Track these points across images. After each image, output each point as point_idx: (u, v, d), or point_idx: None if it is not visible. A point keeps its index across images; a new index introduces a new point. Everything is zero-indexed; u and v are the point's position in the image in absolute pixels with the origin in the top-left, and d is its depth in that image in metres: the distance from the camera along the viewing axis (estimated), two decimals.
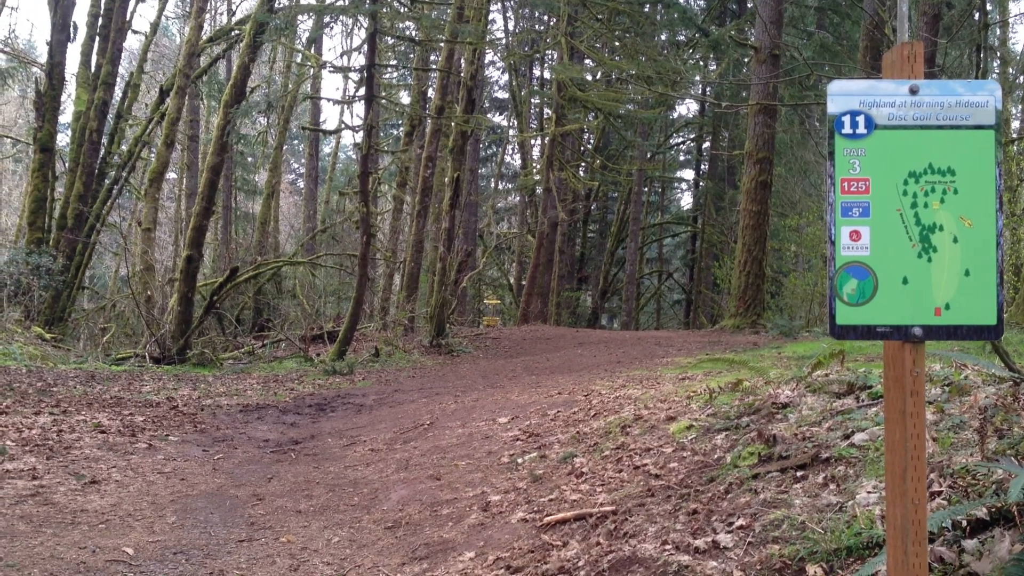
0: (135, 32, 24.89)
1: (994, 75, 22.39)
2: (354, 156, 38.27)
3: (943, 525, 2.93)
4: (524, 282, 30.40)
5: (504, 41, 31.87)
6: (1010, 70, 23.75)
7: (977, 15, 16.73)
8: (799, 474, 4.09)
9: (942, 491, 3.30)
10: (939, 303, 2.10)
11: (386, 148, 29.90)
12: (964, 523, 2.98)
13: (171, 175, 32.24)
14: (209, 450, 7.96)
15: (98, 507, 5.77)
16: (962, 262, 2.11)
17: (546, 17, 30.95)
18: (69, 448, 7.33)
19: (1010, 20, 24.63)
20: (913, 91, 2.12)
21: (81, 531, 5.21)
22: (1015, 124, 25.05)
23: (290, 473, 7.19)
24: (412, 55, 28.97)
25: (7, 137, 33.82)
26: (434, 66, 23.22)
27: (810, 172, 23.83)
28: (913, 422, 2.05)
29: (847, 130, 2.13)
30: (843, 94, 2.15)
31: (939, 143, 2.12)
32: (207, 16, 25.91)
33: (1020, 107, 25.95)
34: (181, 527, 5.39)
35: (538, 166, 32.28)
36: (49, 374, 11.75)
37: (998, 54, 22.67)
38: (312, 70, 29.61)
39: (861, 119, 2.13)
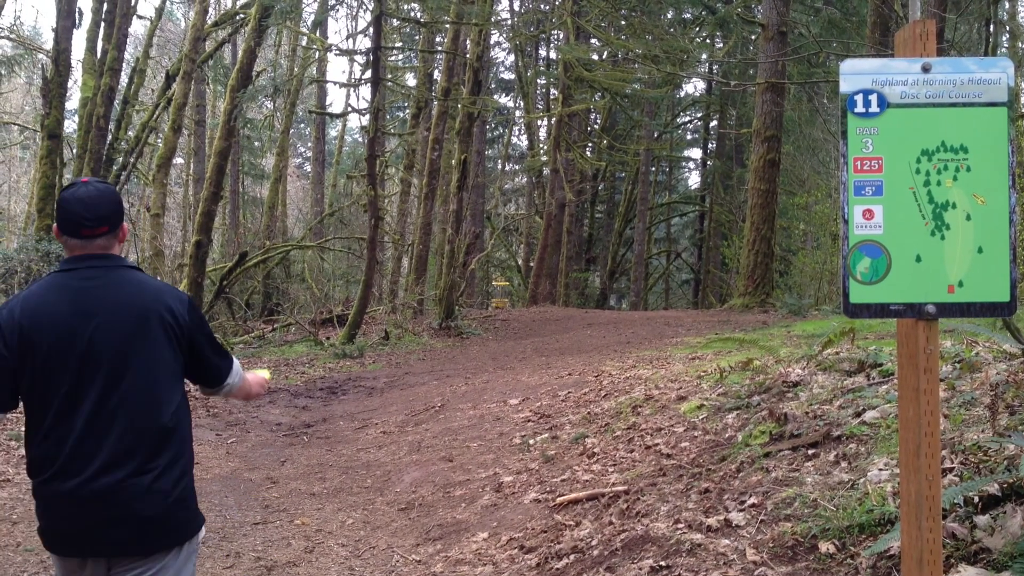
0: (140, 17, 24.81)
1: (1003, 49, 22.22)
2: (360, 139, 38.18)
3: (955, 501, 2.94)
4: (532, 263, 30.39)
5: (510, 22, 31.69)
6: (1020, 44, 23.54)
7: None
8: (810, 452, 4.11)
9: (954, 467, 3.31)
10: (952, 280, 2.11)
11: (393, 131, 29.83)
12: (976, 499, 2.99)
13: (178, 160, 32.24)
14: (222, 434, 8.02)
15: None
16: (975, 239, 2.11)
17: None
18: None
19: None
20: (926, 69, 2.12)
21: None
22: None
23: (303, 456, 7.24)
24: (418, 37, 28.84)
25: (14, 124, 33.83)
26: (440, 48, 23.12)
27: (819, 150, 23.71)
28: (927, 399, 2.06)
29: (860, 109, 2.13)
30: (855, 73, 2.14)
31: (952, 121, 2.11)
32: (212, 0, 25.83)
33: None
34: None
35: (545, 147, 32.18)
36: None
37: (1007, 28, 22.45)
38: (318, 53, 29.48)
39: (874, 98, 2.13)
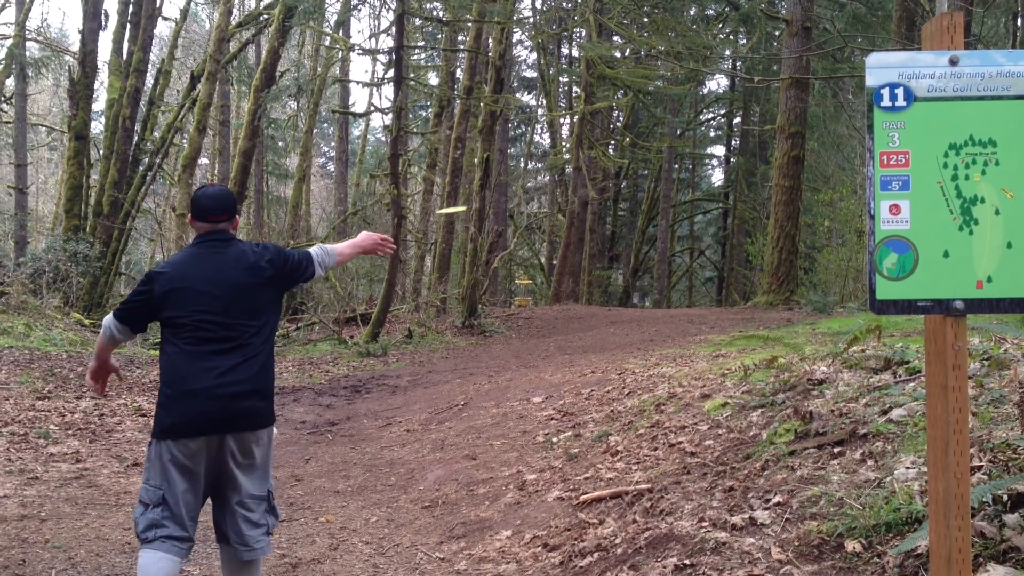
0: (165, 19, 25.05)
1: None
2: (383, 138, 38.32)
3: (984, 500, 2.91)
4: (555, 262, 30.36)
5: (532, 20, 31.63)
6: None
7: None
8: (836, 450, 4.07)
9: (982, 466, 3.27)
10: (981, 276, 2.08)
11: (415, 130, 29.92)
12: (1005, 497, 2.95)
13: (203, 160, 32.50)
14: None
15: None
16: (1004, 234, 2.08)
17: None
18: (111, 431, 7.46)
19: None
20: (953, 62, 2.09)
21: (125, 512, 5.30)
22: None
23: (327, 454, 7.27)
24: (440, 36, 28.90)
25: (42, 126, 34.24)
26: (462, 46, 23.17)
27: (843, 146, 23.51)
28: (955, 396, 2.04)
29: (886, 103, 2.11)
30: (882, 67, 2.12)
31: (980, 114, 2.08)
32: (236, 1, 25.99)
33: None
34: None
35: (567, 145, 32.13)
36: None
37: None
38: (341, 53, 29.60)
39: (900, 91, 2.10)
